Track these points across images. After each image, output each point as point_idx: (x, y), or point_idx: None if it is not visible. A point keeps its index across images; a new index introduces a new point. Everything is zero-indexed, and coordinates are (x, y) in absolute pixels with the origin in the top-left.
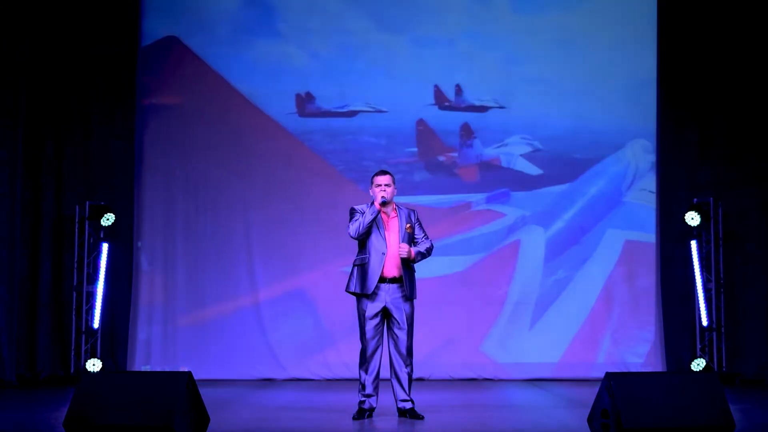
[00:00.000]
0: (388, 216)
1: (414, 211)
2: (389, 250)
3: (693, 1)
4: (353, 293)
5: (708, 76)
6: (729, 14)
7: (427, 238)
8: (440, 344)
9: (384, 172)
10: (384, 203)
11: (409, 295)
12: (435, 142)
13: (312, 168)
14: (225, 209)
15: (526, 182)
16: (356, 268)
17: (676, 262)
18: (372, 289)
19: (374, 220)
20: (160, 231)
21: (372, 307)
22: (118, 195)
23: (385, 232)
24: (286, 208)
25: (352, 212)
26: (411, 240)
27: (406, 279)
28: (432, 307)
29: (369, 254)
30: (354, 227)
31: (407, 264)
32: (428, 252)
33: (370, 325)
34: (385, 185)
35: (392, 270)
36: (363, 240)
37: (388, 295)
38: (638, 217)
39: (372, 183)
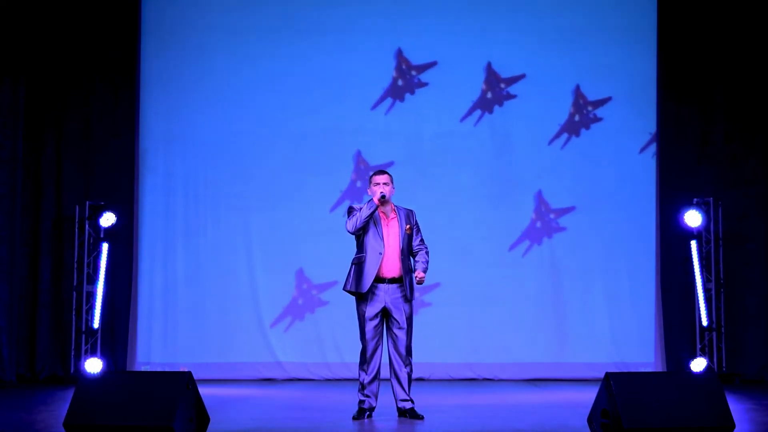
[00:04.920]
0: (387, 216)
1: (412, 211)
2: (387, 250)
3: (693, 2)
4: (349, 292)
5: (708, 76)
6: (729, 14)
7: (423, 242)
8: (440, 344)
9: (382, 172)
10: (383, 199)
11: (410, 296)
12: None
13: (313, 167)
14: (225, 209)
15: (524, 181)
16: (353, 266)
17: (676, 262)
18: (367, 288)
19: (372, 215)
20: (160, 231)
21: (371, 309)
22: (118, 195)
23: (384, 231)
24: (287, 207)
25: (350, 210)
26: (411, 241)
27: (405, 279)
28: (432, 307)
29: (366, 253)
30: (351, 222)
31: (408, 264)
32: (428, 262)
33: (370, 326)
34: (384, 184)
35: (391, 270)
36: (361, 239)
37: (388, 296)
38: (638, 216)
39: (370, 182)
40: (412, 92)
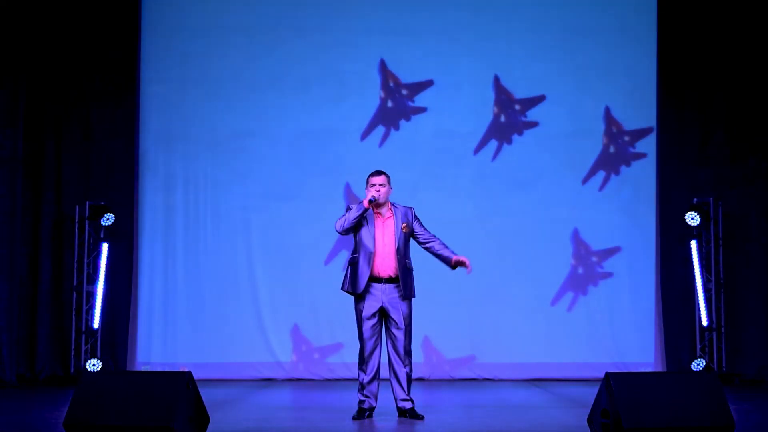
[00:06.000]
0: (383, 216)
1: (411, 209)
2: (380, 250)
3: (693, 2)
4: (347, 292)
5: (708, 76)
6: (729, 15)
7: (430, 233)
8: (440, 344)
9: (379, 173)
10: (374, 201)
11: (407, 295)
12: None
13: (313, 167)
14: (225, 209)
15: (524, 182)
16: (349, 267)
17: (676, 262)
18: (361, 289)
19: (360, 216)
20: (160, 231)
21: (368, 308)
22: (118, 195)
23: (376, 232)
24: (287, 207)
25: (348, 210)
26: (408, 239)
27: (402, 279)
28: (432, 307)
29: (359, 253)
30: (339, 222)
31: (405, 264)
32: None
33: (368, 325)
34: (380, 185)
35: (387, 270)
36: (355, 239)
37: (385, 295)
38: (638, 216)
39: (367, 183)
40: (408, 118)
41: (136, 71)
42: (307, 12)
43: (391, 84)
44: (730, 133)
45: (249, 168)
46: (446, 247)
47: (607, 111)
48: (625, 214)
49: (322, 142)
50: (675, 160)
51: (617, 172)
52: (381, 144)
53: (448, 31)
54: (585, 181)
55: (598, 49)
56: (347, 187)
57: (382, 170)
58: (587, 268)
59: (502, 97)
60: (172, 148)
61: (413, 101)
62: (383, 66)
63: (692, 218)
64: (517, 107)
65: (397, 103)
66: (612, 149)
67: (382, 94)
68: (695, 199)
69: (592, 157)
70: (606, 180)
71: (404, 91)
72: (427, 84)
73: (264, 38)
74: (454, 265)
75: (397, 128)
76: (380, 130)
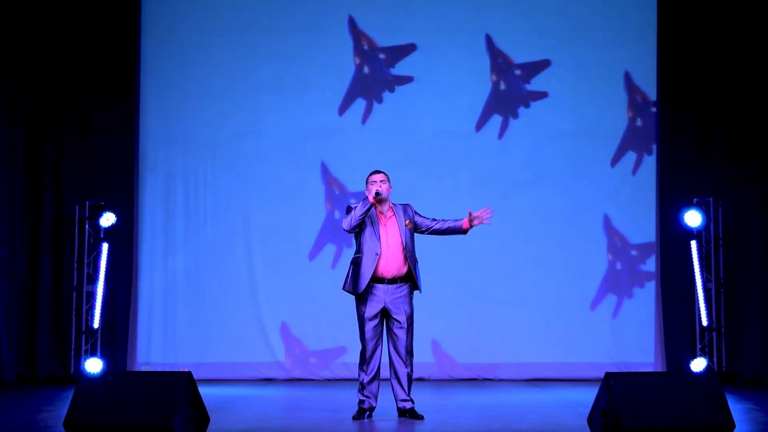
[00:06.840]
0: (385, 215)
1: (409, 205)
2: (386, 250)
3: (692, 2)
4: (348, 292)
5: (708, 76)
6: (730, 14)
7: (430, 218)
8: (440, 344)
9: (378, 172)
10: (378, 195)
11: (418, 287)
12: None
13: (313, 167)
14: (225, 209)
15: (523, 182)
16: (352, 266)
17: (676, 262)
18: (362, 288)
19: (366, 212)
20: (160, 231)
21: (371, 309)
22: (118, 195)
23: (381, 230)
24: (287, 207)
25: (348, 209)
26: (413, 235)
27: (413, 272)
28: (432, 307)
29: (362, 254)
30: (347, 220)
31: (414, 259)
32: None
33: (369, 326)
34: (380, 181)
35: (391, 270)
36: (358, 239)
37: (387, 296)
38: (638, 216)
39: (367, 183)
40: (392, 89)
41: (136, 71)
42: (308, 10)
43: (365, 46)
44: (730, 133)
45: (249, 168)
46: (448, 219)
47: (628, 77)
48: (627, 220)
49: (322, 141)
50: (675, 160)
51: (650, 152)
52: (364, 120)
53: None
54: (614, 163)
55: (597, 43)
56: (323, 167)
57: (381, 170)
58: (617, 260)
59: (498, 60)
60: (172, 148)
61: (394, 68)
62: (353, 25)
63: (692, 218)
64: (518, 72)
65: (375, 71)
66: (639, 122)
67: (357, 60)
68: (695, 199)
69: (618, 134)
70: (639, 162)
71: (382, 56)
72: (409, 49)
73: (264, 38)
74: (467, 228)
75: (380, 101)
76: (360, 103)
